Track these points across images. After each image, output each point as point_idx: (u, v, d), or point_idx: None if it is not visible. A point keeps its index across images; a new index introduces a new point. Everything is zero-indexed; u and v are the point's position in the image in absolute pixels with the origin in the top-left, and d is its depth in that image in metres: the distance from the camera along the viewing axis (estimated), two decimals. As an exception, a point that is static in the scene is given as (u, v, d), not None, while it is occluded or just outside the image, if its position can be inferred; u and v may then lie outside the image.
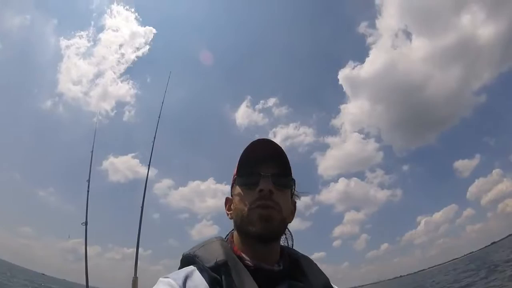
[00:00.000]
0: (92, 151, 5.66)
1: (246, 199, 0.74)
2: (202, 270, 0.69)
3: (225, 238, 0.81)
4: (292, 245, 0.88)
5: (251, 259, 0.71)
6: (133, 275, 4.08)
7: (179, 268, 0.74)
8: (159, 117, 5.67)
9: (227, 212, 0.83)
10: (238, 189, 0.78)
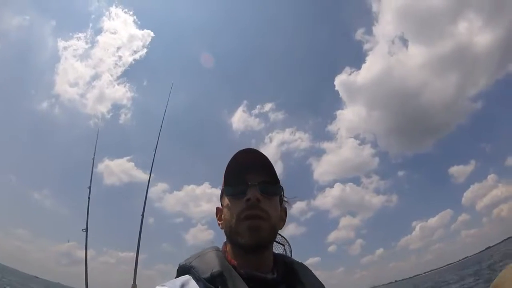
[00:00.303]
0: (94, 157, 5.61)
1: (234, 209, 0.75)
2: (198, 280, 0.69)
3: (221, 248, 0.81)
4: (291, 254, 0.88)
5: (245, 268, 0.72)
6: (132, 282, 4.04)
7: (175, 278, 0.74)
8: (161, 126, 5.66)
9: (218, 222, 0.84)
10: (226, 200, 0.79)
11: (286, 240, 0.89)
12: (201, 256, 0.75)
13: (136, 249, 4.42)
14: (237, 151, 0.78)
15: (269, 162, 0.79)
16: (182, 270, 0.75)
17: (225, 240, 0.81)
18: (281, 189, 0.82)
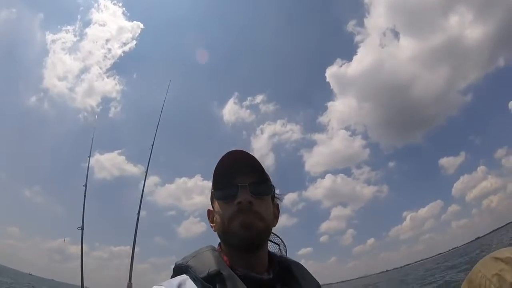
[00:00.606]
0: (90, 156, 5.61)
1: (225, 213, 0.74)
2: (195, 280, 0.69)
3: (216, 247, 0.80)
4: (286, 254, 0.88)
5: (241, 269, 0.71)
6: (127, 281, 4.05)
7: (171, 278, 0.74)
8: (157, 125, 5.61)
9: (211, 224, 0.83)
10: (216, 204, 0.78)
11: (281, 240, 0.89)
12: (197, 256, 0.74)
13: (131, 246, 4.43)
14: (224, 153, 0.76)
15: (258, 162, 0.77)
16: (179, 270, 0.74)
17: (219, 242, 0.80)
18: (272, 187, 0.80)
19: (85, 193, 5.12)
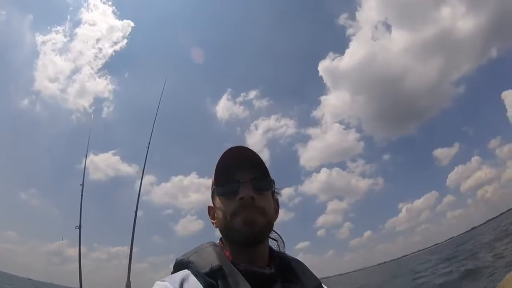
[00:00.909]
0: (86, 154, 5.63)
1: (228, 209, 0.74)
2: (197, 275, 0.69)
3: (217, 242, 0.81)
4: (284, 250, 0.88)
5: (242, 263, 0.72)
6: (126, 280, 4.04)
7: (172, 273, 0.74)
8: (153, 123, 5.57)
9: (212, 221, 0.83)
10: (218, 200, 0.78)
11: (279, 236, 0.89)
12: (198, 251, 0.75)
13: (128, 245, 4.42)
14: (225, 149, 0.77)
15: (258, 157, 0.78)
16: (179, 266, 0.74)
17: (220, 237, 0.81)
18: (272, 182, 0.81)
19: (82, 192, 5.11)
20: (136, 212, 4.65)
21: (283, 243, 0.90)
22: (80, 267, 4.52)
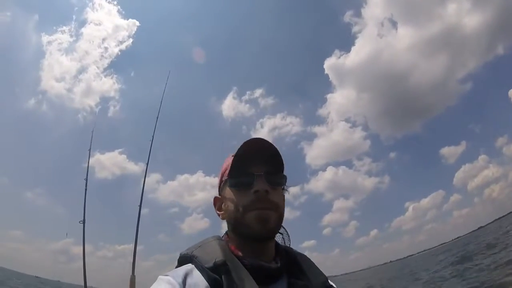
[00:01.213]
0: (90, 148, 5.68)
1: (241, 201, 0.73)
2: (201, 270, 0.68)
3: (221, 237, 0.80)
4: (289, 243, 0.87)
5: (249, 258, 0.71)
6: (130, 273, 4.05)
7: (176, 268, 0.73)
8: (157, 117, 5.55)
9: (218, 212, 0.82)
10: (229, 191, 0.77)
11: (285, 230, 0.88)
12: (203, 246, 0.74)
13: (133, 240, 4.43)
14: (245, 141, 0.75)
15: (276, 150, 0.76)
16: (184, 260, 0.73)
17: (226, 230, 0.80)
18: (285, 178, 0.80)
19: (86, 186, 5.14)
20: (140, 206, 4.66)
21: (289, 236, 0.88)
22: (84, 262, 4.56)
